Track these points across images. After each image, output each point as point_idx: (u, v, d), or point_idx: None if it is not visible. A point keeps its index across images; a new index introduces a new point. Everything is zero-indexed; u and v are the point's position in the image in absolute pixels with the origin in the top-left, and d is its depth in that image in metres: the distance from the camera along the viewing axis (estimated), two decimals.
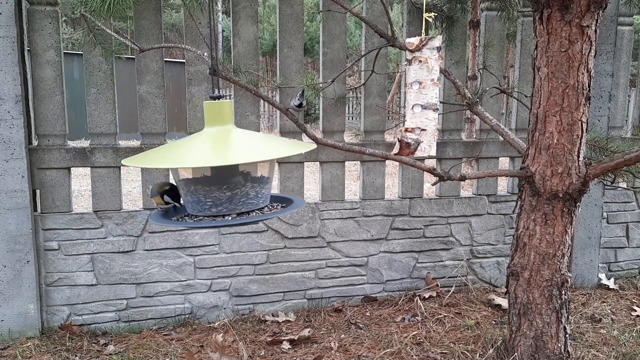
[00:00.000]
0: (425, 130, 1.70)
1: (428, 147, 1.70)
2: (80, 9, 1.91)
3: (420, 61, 1.67)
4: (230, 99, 1.15)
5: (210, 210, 1.11)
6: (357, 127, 3.34)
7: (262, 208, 1.16)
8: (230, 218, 1.11)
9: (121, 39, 1.95)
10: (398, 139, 1.73)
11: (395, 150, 1.75)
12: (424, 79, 1.68)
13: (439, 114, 2.93)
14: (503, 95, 2.89)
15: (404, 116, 1.74)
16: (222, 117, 1.09)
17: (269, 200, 1.19)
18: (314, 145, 1.14)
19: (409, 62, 1.69)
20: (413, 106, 1.69)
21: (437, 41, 1.66)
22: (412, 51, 1.68)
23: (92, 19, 2.03)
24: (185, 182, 1.13)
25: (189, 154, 1.03)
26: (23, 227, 2.43)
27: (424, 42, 1.66)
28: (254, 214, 1.14)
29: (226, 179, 1.10)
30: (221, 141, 1.07)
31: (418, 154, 1.72)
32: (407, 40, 1.69)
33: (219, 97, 1.10)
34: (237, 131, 1.09)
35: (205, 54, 2.07)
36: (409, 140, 1.72)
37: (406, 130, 1.72)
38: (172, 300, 2.69)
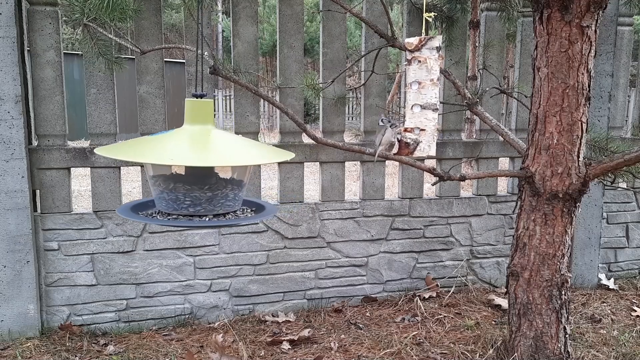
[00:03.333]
0: (424, 131, 1.71)
1: (427, 147, 1.70)
2: (82, 17, 1.91)
3: (419, 61, 1.68)
4: (210, 98, 1.13)
5: (187, 209, 1.09)
6: (357, 127, 3.34)
7: (236, 211, 1.16)
8: (207, 219, 1.10)
9: (122, 41, 1.95)
10: (397, 139, 1.74)
11: (395, 150, 1.76)
12: (423, 79, 1.68)
13: (439, 114, 2.93)
14: (503, 96, 2.88)
15: (404, 116, 1.74)
16: (203, 116, 1.08)
17: (241, 203, 1.19)
18: (293, 155, 1.13)
19: (409, 62, 1.69)
20: (412, 106, 1.70)
21: (437, 41, 1.66)
22: (411, 51, 1.68)
23: (94, 27, 2.03)
24: (163, 179, 1.10)
25: (173, 150, 1.01)
26: (23, 227, 2.43)
27: (423, 42, 1.66)
28: (229, 216, 1.14)
29: (209, 179, 1.09)
30: (203, 141, 1.05)
31: (417, 154, 1.72)
32: (407, 40, 1.69)
33: (201, 96, 1.09)
34: (217, 132, 1.08)
35: (206, 53, 2.07)
36: (408, 140, 1.72)
37: (405, 130, 1.72)
38: (172, 300, 2.69)
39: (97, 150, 1.02)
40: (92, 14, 1.91)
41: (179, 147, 1.02)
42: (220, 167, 1.09)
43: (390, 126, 1.72)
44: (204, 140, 1.05)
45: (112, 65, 2.26)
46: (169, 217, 1.12)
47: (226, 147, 1.06)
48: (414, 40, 1.67)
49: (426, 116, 1.69)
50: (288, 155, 1.10)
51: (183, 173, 1.08)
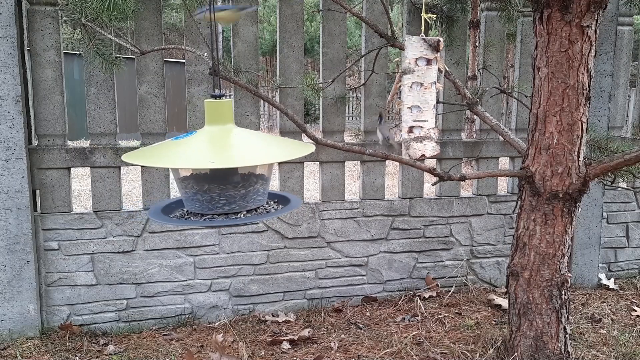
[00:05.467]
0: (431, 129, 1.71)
1: (437, 146, 1.72)
2: (81, 17, 1.91)
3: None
4: (230, 98, 1.14)
5: (223, 208, 1.11)
6: (357, 127, 3.34)
7: (264, 204, 1.18)
8: (242, 215, 1.12)
9: (121, 42, 1.94)
10: (409, 145, 1.72)
11: (410, 156, 1.74)
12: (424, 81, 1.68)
13: (438, 114, 2.94)
14: (503, 95, 2.88)
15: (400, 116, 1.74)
16: (223, 116, 1.09)
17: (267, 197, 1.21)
18: (314, 147, 1.15)
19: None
20: (411, 107, 1.70)
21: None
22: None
23: (93, 26, 2.03)
24: (195, 181, 1.11)
25: (190, 154, 1.02)
26: (23, 227, 2.43)
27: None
28: (260, 210, 1.15)
29: (241, 177, 1.11)
30: (224, 141, 1.06)
31: (428, 153, 1.73)
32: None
33: (220, 96, 1.10)
34: (238, 130, 1.10)
35: (206, 54, 2.07)
36: (420, 144, 1.71)
37: (411, 133, 1.72)
38: (172, 300, 2.69)
39: (126, 158, 1.02)
40: (91, 14, 1.91)
41: (207, 149, 1.04)
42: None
43: (381, 122, 1.72)
44: (228, 141, 1.07)
45: (110, 65, 2.26)
46: (204, 218, 1.13)
47: (252, 146, 1.08)
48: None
49: (424, 116, 1.69)
50: (310, 148, 1.11)
51: (210, 174, 1.10)
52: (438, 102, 2.43)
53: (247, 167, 1.11)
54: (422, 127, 1.68)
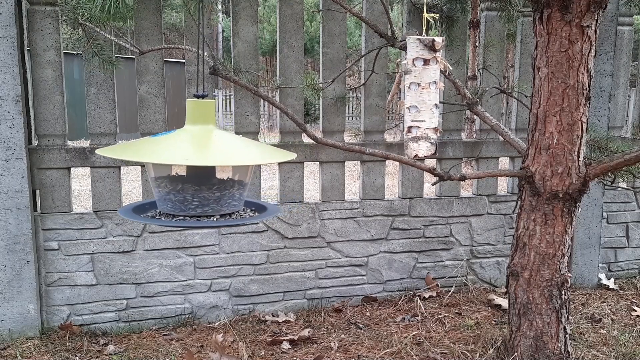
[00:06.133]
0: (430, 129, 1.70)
1: (433, 147, 1.71)
2: (78, 17, 1.91)
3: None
4: (213, 98, 1.13)
5: (195, 210, 1.09)
6: (357, 127, 3.34)
7: (239, 211, 1.16)
8: (215, 219, 1.10)
9: (121, 42, 1.95)
10: (406, 143, 1.72)
11: (409, 155, 1.74)
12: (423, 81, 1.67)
13: (439, 114, 2.93)
14: (503, 95, 2.89)
15: (403, 116, 1.74)
16: (204, 117, 1.08)
17: (243, 203, 1.20)
18: (294, 155, 1.13)
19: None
20: (410, 107, 1.70)
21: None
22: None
23: (91, 26, 2.03)
24: (169, 180, 1.09)
25: (181, 151, 1.01)
26: (23, 227, 2.43)
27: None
28: (235, 216, 1.14)
29: (216, 180, 1.09)
30: (206, 141, 1.05)
31: (423, 153, 1.72)
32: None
33: (203, 96, 1.09)
34: (219, 132, 1.08)
35: (206, 53, 2.07)
36: (417, 143, 1.71)
37: (410, 133, 1.72)
38: (172, 300, 2.69)
39: (100, 151, 1.01)
40: (88, 14, 1.91)
41: (184, 147, 1.02)
42: (225, 167, 1.09)
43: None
44: (207, 140, 1.05)
45: (108, 65, 2.26)
46: (175, 218, 1.11)
47: (231, 147, 1.06)
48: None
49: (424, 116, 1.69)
50: (291, 156, 1.10)
51: (186, 174, 1.08)
52: (439, 102, 2.43)
53: (225, 171, 1.10)
54: (419, 127, 1.68)
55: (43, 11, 2.42)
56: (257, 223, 2.67)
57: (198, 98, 1.07)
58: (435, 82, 1.66)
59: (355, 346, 2.41)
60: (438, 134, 1.69)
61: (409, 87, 1.66)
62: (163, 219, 1.12)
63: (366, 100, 2.88)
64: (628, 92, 3.59)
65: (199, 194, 1.08)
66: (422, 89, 1.65)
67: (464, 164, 3.93)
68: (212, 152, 1.05)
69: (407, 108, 1.67)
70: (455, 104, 2.78)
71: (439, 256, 3.04)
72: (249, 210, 1.21)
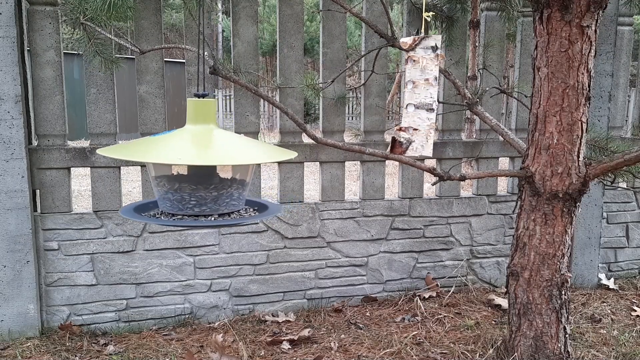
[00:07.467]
0: (417, 130, 1.70)
1: (420, 147, 1.70)
2: (79, 16, 1.91)
3: (414, 60, 1.68)
4: (214, 98, 1.12)
5: (193, 209, 1.09)
6: (357, 127, 3.34)
7: (239, 210, 1.16)
8: (213, 218, 1.10)
9: (121, 41, 1.94)
10: (392, 137, 1.74)
11: (389, 148, 1.76)
12: (417, 79, 1.67)
13: (438, 114, 2.94)
14: (503, 95, 2.88)
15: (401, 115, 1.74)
16: (205, 116, 1.08)
17: (244, 203, 1.19)
18: (295, 154, 1.13)
19: (406, 61, 1.70)
20: (407, 105, 1.70)
21: (432, 41, 1.65)
22: (406, 51, 1.69)
23: (92, 26, 2.03)
24: (167, 179, 1.09)
25: (179, 150, 1.01)
26: (23, 227, 2.43)
27: (417, 41, 1.66)
28: (234, 215, 1.14)
29: (214, 179, 1.08)
30: (207, 140, 1.05)
31: (409, 153, 1.72)
32: (402, 40, 1.70)
33: (203, 95, 1.09)
34: (219, 131, 1.08)
35: (206, 53, 2.07)
36: (401, 139, 1.72)
37: (400, 129, 1.72)
38: (172, 300, 2.69)
39: (101, 151, 1.01)
40: (90, 14, 1.91)
41: (183, 146, 1.02)
42: (224, 166, 1.09)
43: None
44: (208, 140, 1.05)
45: (109, 65, 2.26)
46: (173, 218, 1.11)
47: (231, 146, 1.06)
48: (408, 40, 1.68)
49: (420, 116, 1.68)
50: (291, 154, 1.10)
51: (187, 173, 1.08)
52: (438, 102, 2.43)
53: (225, 170, 1.09)
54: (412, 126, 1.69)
55: (43, 11, 2.42)
56: (256, 223, 2.67)
57: (199, 97, 1.07)
58: (428, 81, 1.66)
59: (355, 346, 2.41)
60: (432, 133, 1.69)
61: (405, 87, 1.67)
62: (163, 218, 1.13)
63: (366, 100, 2.88)
64: (628, 92, 3.59)
65: (196, 193, 1.08)
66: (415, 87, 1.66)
67: (464, 164, 3.93)
68: (213, 151, 1.05)
69: (405, 107, 1.68)
70: (455, 104, 2.78)
71: (439, 256, 3.04)
72: (250, 209, 1.21)
